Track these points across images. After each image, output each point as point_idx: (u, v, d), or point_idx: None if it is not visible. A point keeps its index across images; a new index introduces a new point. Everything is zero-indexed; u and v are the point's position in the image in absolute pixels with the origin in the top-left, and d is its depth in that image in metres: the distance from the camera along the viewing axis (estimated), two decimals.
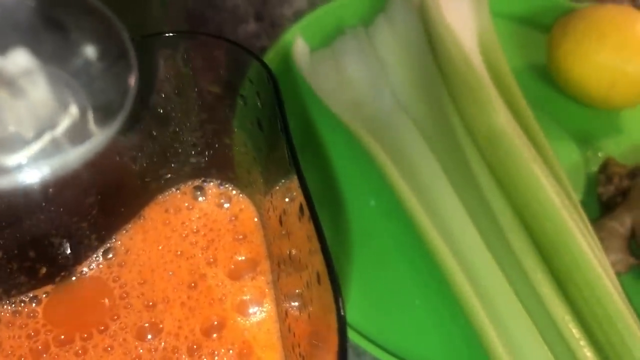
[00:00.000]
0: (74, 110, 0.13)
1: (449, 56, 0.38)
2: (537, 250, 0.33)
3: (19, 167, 0.12)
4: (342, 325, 0.15)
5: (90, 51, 0.13)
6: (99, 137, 0.13)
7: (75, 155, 0.13)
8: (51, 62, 0.12)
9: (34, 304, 0.25)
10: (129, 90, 0.13)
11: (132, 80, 0.13)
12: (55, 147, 0.12)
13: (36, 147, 0.12)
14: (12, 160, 0.12)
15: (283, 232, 0.22)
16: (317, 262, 0.16)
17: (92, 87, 0.13)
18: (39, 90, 0.12)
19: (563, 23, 0.41)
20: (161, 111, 0.24)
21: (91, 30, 0.12)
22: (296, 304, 0.21)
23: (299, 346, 0.20)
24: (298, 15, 0.46)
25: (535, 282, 0.33)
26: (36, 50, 0.12)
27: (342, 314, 0.15)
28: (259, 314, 0.24)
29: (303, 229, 0.18)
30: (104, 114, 0.13)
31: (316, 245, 0.16)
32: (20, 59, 0.12)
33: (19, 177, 0.12)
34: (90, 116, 0.13)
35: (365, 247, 0.37)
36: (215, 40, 0.22)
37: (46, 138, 0.12)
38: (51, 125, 0.12)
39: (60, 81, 0.13)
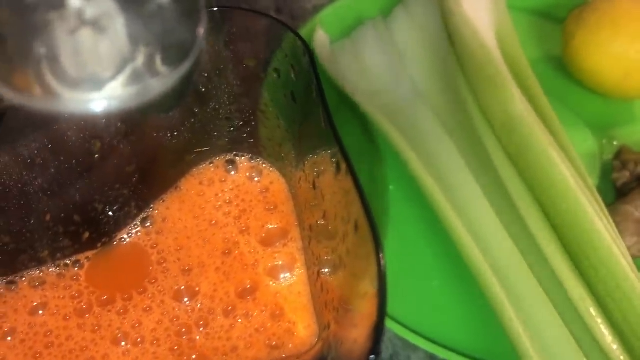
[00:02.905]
0: (147, 50, 0.14)
1: (467, 45, 0.39)
2: (555, 232, 0.34)
3: (102, 99, 0.14)
4: (382, 268, 0.16)
5: None
6: (171, 75, 0.14)
7: (149, 88, 0.14)
8: (128, 6, 0.14)
9: (76, 268, 0.26)
10: (199, 36, 0.14)
11: (202, 27, 0.14)
12: (133, 79, 0.14)
13: (116, 80, 0.14)
14: (94, 94, 0.13)
15: (315, 199, 0.23)
16: (355, 212, 0.17)
17: (165, 31, 0.14)
18: (117, 30, 0.14)
19: (577, 14, 0.42)
20: (202, 89, 0.25)
21: None
22: (329, 266, 0.23)
23: (333, 301, 0.21)
24: (318, 9, 0.47)
25: (553, 263, 0.33)
26: None
27: (382, 255, 0.16)
28: (291, 278, 0.25)
29: (340, 186, 0.19)
30: (176, 56, 0.14)
31: (354, 195, 0.18)
32: (102, 2, 0.13)
33: (102, 107, 0.14)
34: (162, 56, 0.14)
35: (384, 229, 0.38)
36: (253, 15, 0.23)
37: (125, 72, 0.14)
38: (129, 60, 0.14)
39: (137, 24, 0.14)
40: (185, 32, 0.14)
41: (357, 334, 0.17)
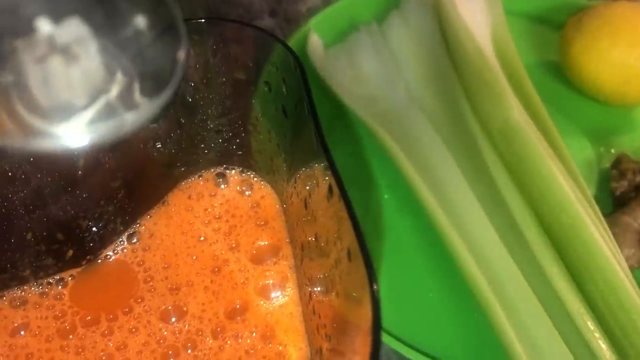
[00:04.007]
0: (123, 79, 0.13)
1: (464, 51, 0.39)
2: (552, 244, 0.34)
3: (71, 133, 0.13)
4: (376, 298, 0.15)
5: (140, 21, 0.13)
6: (149, 106, 0.13)
7: (124, 122, 0.13)
8: (103, 31, 0.13)
9: (60, 286, 0.25)
10: (179, 61, 0.13)
11: (182, 52, 0.13)
12: (106, 113, 0.13)
13: (88, 113, 0.13)
14: (65, 126, 0.13)
15: (307, 216, 0.22)
16: (348, 239, 0.17)
17: (143, 58, 0.13)
18: (91, 57, 0.13)
19: (576, 20, 0.41)
20: (189, 99, 0.25)
21: (143, 3, 0.13)
22: (321, 286, 0.22)
23: (325, 327, 0.20)
24: (312, 12, 0.46)
25: (550, 275, 0.33)
26: (89, 19, 0.13)
27: (375, 287, 0.15)
28: (282, 297, 0.25)
29: (331, 210, 0.18)
30: (155, 85, 0.13)
31: (347, 222, 0.17)
32: (73, 27, 0.12)
33: (72, 143, 0.13)
34: (140, 86, 0.13)
35: (379, 240, 0.37)
36: (242, 27, 0.22)
37: (98, 104, 0.13)
38: (103, 92, 0.13)
39: (112, 50, 0.13)
40: (164, 57, 0.13)
41: None
